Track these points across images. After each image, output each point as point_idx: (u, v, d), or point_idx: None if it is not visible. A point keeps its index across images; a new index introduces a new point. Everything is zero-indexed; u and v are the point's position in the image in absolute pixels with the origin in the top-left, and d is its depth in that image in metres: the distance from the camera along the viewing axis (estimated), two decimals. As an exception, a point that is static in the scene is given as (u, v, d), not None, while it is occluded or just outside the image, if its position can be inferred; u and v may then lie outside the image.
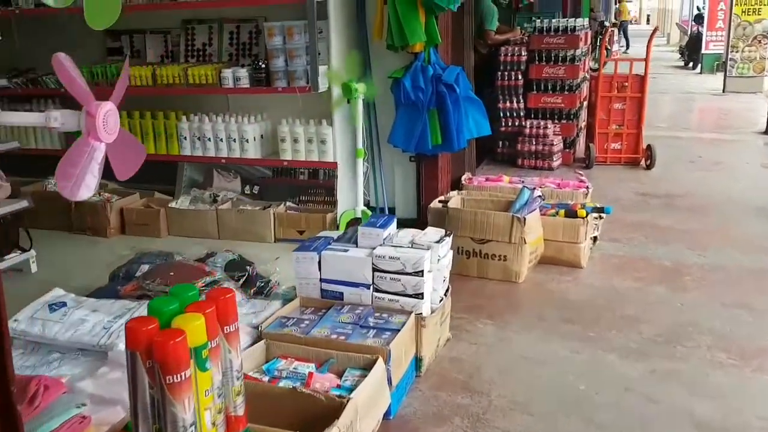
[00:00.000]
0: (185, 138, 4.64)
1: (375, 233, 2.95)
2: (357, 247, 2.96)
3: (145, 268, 3.32)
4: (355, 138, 4.23)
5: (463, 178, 4.85)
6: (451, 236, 3.07)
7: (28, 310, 2.77)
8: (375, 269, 2.83)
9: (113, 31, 4.99)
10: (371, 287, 2.86)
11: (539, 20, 6.34)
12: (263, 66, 4.28)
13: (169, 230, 4.64)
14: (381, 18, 4.10)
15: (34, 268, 4.01)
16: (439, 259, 2.91)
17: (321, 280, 2.94)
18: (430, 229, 3.08)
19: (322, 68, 4.17)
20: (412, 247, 2.88)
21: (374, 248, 2.88)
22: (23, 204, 3.86)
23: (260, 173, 4.93)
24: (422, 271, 2.76)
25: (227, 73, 4.33)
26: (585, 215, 3.95)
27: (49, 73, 4.86)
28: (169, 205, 4.64)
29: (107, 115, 1.58)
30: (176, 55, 4.84)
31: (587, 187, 4.56)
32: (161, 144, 4.72)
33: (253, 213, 4.48)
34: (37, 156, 5.05)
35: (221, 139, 4.56)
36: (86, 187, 1.58)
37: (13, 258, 3.89)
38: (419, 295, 2.80)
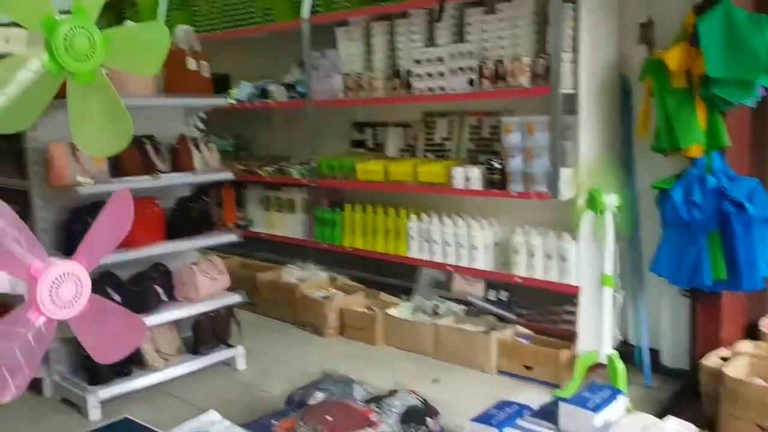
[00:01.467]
0: (413, 238, 4.22)
1: (582, 415, 2.07)
2: (557, 430, 2.12)
3: (319, 396, 2.87)
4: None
5: (761, 323, 3.54)
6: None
7: (172, 435, 2.49)
8: (576, 475, 1.96)
9: (360, 123, 4.89)
10: (568, 499, 1.99)
11: None
12: (498, 166, 3.68)
13: (385, 338, 4.21)
14: (646, 112, 3.20)
15: (242, 364, 3.86)
16: (680, 479, 1.91)
17: (500, 468, 2.16)
18: (672, 422, 2.08)
19: (566, 171, 3.41)
20: (637, 451, 1.94)
21: (580, 441, 2.01)
22: (236, 299, 3.79)
23: (510, 276, 4.19)
24: (647, 498, 1.81)
25: (458, 172, 3.83)
26: None
27: (295, 163, 4.92)
28: (387, 311, 4.22)
29: (61, 280, 1.11)
30: (415, 149, 4.51)
31: None
32: (390, 242, 4.37)
33: (473, 336, 3.80)
34: (281, 242, 5.12)
35: (449, 244, 4.04)
36: (8, 385, 1.11)
37: (220, 353, 3.79)
38: None
